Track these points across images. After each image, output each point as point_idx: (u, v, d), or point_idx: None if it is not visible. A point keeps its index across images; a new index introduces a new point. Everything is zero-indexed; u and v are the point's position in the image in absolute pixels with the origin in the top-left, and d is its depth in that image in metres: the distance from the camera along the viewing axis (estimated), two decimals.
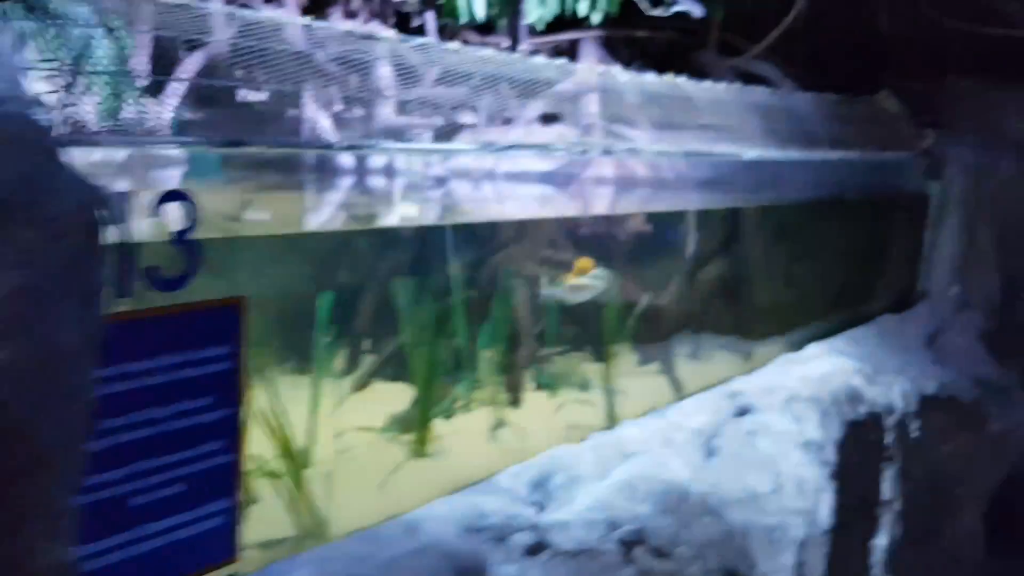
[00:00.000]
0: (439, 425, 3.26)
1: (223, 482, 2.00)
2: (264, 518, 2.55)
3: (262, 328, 3.33)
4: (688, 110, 3.67)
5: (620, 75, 3.51)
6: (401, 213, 3.44)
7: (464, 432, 3.25)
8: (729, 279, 4.51)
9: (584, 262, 3.71)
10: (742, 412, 3.52)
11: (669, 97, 3.62)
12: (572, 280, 3.35)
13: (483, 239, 3.69)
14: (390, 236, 3.58)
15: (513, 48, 4.82)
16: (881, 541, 3.99)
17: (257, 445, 2.59)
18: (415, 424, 3.12)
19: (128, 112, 2.19)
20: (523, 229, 3.74)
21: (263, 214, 2.99)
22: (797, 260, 4.97)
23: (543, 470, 2.71)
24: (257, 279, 3.18)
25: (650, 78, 3.66)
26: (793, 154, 4.22)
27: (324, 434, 2.95)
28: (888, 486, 4.04)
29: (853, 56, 6.82)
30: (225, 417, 1.97)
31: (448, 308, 3.34)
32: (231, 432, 1.99)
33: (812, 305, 5.02)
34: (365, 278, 3.41)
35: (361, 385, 3.53)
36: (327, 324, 2.87)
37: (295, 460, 2.51)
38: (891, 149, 5.50)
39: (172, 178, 2.55)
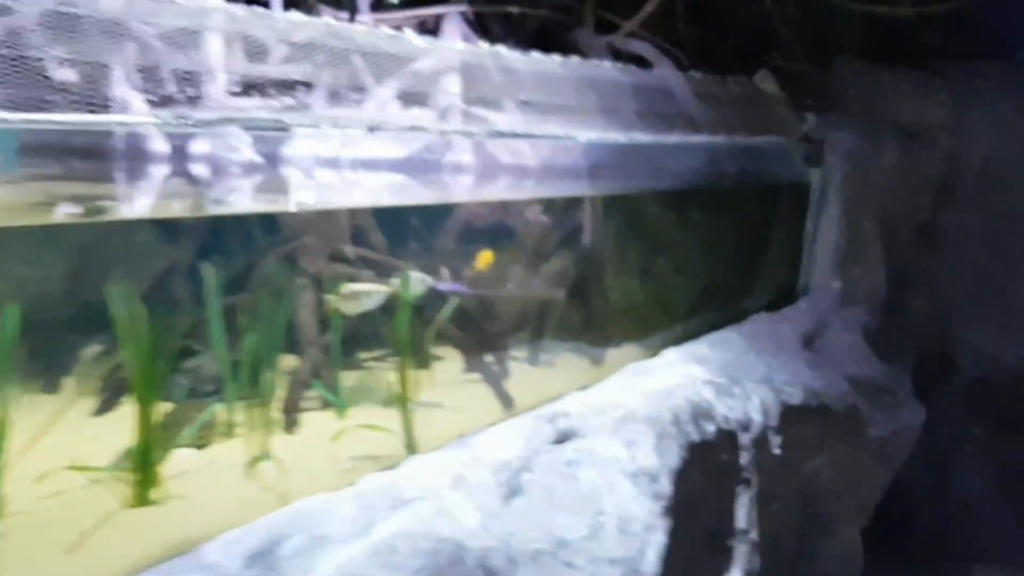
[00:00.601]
0: (184, 459, 2.67)
1: None
2: None
3: None
4: (507, 84, 3.12)
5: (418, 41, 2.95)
6: (168, 204, 2.83)
7: (213, 468, 2.66)
8: (575, 276, 3.98)
9: (487, 255, 3.17)
10: (564, 437, 2.99)
11: (483, 69, 3.07)
12: (351, 287, 2.79)
13: (262, 233, 3.11)
14: (138, 230, 2.98)
15: (351, 19, 4.25)
16: None
17: None
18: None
19: None
20: (313, 222, 3.16)
21: None
22: (658, 254, 4.47)
23: (275, 531, 2.13)
24: None
25: (460, 46, 3.10)
26: (641, 137, 3.70)
27: (20, 477, 2.34)
28: (744, 513, 3.56)
29: (737, 36, 6.41)
30: None
31: (194, 312, 2.76)
32: None
33: (674, 305, 4.52)
34: (93, 279, 2.80)
35: (105, 408, 2.92)
36: (17, 338, 2.25)
37: None
38: (767, 133, 5.03)
39: None
